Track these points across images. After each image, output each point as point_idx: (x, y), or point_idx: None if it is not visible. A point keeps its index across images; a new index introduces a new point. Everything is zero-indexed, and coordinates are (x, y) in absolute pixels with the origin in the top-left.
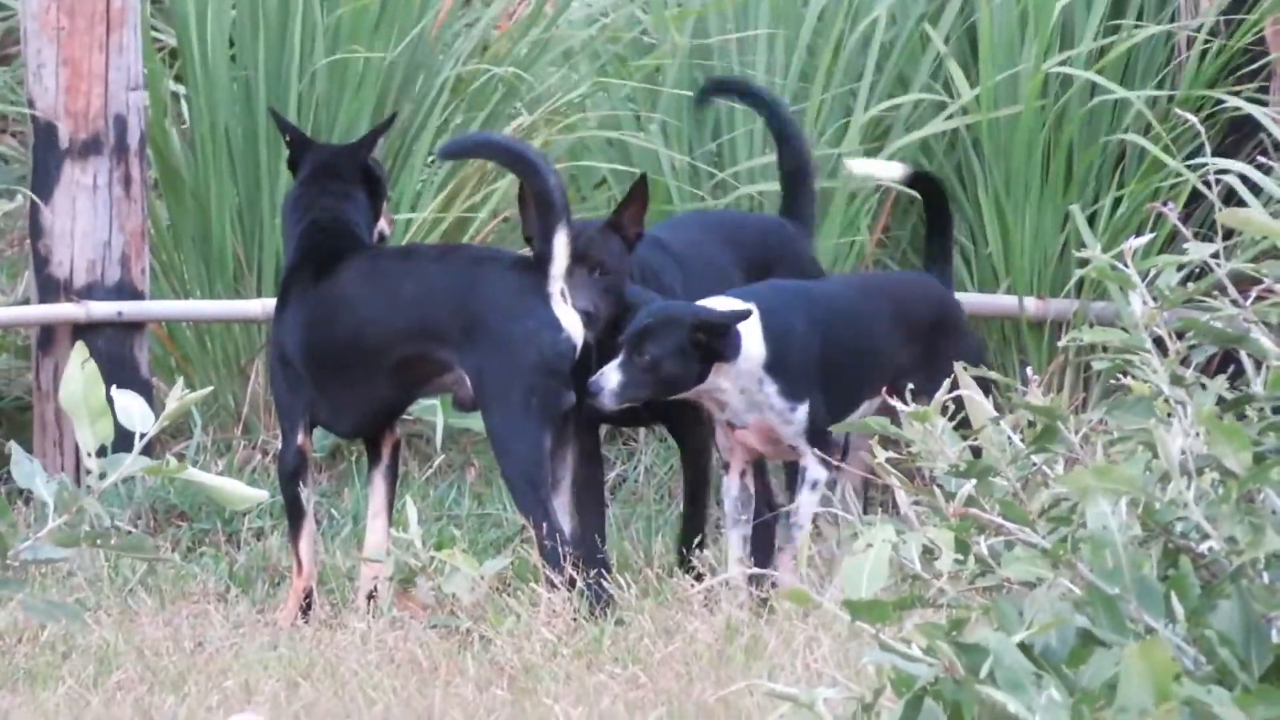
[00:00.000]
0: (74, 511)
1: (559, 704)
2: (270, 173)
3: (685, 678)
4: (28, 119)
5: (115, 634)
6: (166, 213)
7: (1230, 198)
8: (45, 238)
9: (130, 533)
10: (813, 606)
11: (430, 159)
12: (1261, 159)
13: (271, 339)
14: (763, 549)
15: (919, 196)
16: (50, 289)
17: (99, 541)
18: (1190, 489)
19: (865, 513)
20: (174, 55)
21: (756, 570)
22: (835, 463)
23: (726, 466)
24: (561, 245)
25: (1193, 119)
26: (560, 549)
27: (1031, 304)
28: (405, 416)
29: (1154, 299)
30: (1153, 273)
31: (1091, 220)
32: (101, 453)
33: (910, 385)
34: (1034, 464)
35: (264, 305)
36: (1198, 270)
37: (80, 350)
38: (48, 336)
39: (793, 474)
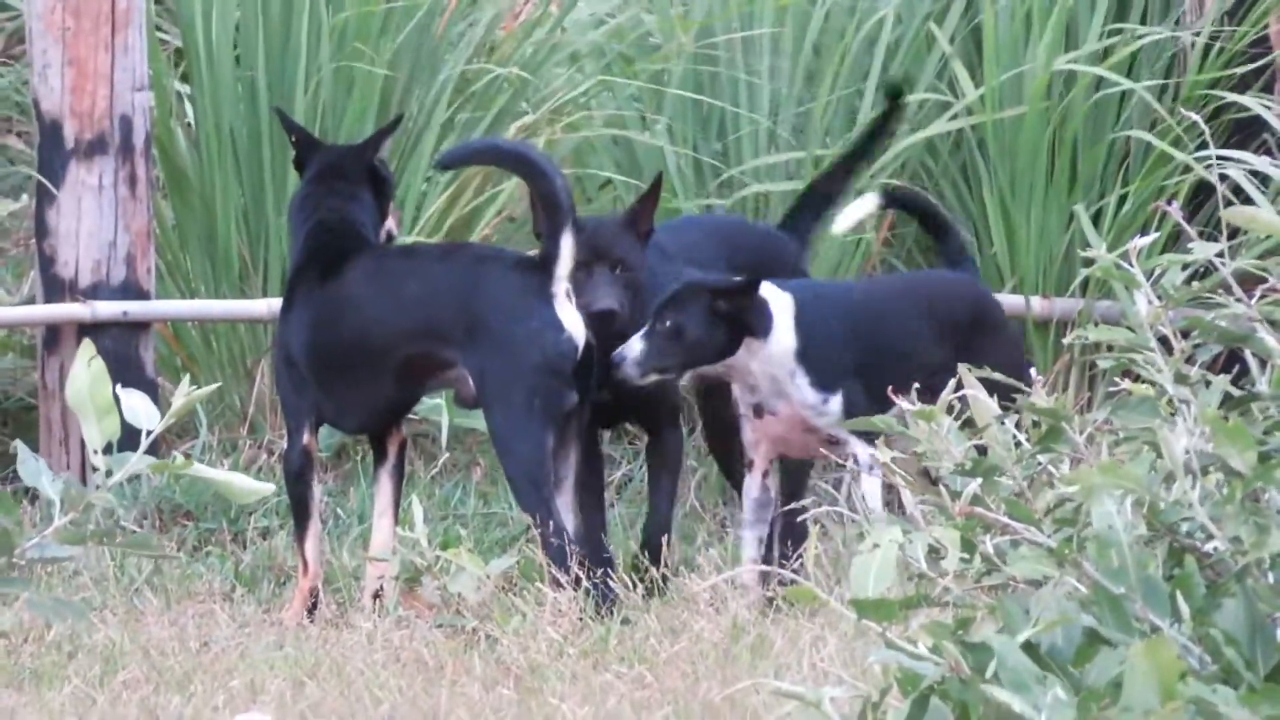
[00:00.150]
0: (80, 510)
1: (565, 703)
2: (275, 172)
3: (691, 677)
4: (33, 119)
5: (121, 633)
6: (172, 212)
7: (1236, 195)
8: (51, 237)
9: (136, 532)
10: (819, 605)
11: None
12: (1267, 159)
13: (277, 339)
14: (788, 545)
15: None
16: (56, 289)
17: (105, 539)
18: (1195, 488)
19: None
20: (179, 55)
21: (768, 569)
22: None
23: (750, 465)
24: (568, 246)
25: (1196, 118)
26: (566, 547)
27: (1037, 303)
28: (411, 416)
29: (1159, 298)
30: (1158, 272)
31: (1096, 219)
32: (107, 451)
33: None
34: (1039, 463)
35: (269, 305)
36: (1203, 269)
37: (87, 348)
38: (53, 336)
39: (791, 477)
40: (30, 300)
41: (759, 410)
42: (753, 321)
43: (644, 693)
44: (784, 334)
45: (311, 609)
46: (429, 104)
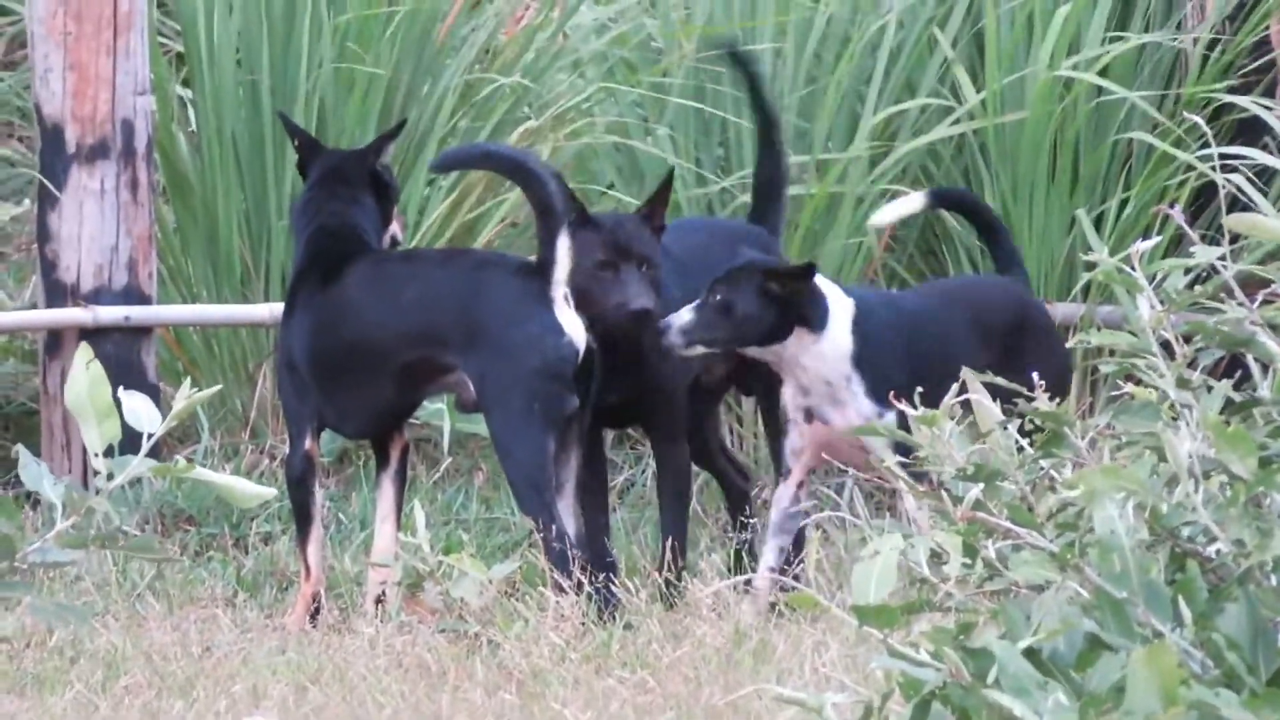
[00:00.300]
0: (82, 514)
1: (567, 708)
2: (277, 177)
3: (694, 682)
4: (35, 123)
5: (123, 639)
6: (173, 217)
7: (1238, 200)
8: (52, 242)
9: (137, 536)
10: (821, 611)
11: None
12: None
13: (279, 343)
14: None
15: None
16: (57, 293)
17: (106, 543)
18: (1198, 493)
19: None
20: (181, 59)
21: (781, 579)
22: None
23: (787, 474)
24: (564, 250)
25: (1198, 120)
26: (568, 552)
27: None
28: (413, 421)
29: (1161, 302)
30: (1159, 276)
31: (1098, 223)
32: (108, 455)
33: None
34: (1042, 468)
35: (271, 310)
36: (1205, 273)
37: (85, 351)
38: (55, 341)
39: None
40: (32, 305)
41: (809, 415)
42: (806, 310)
43: (646, 698)
44: (840, 334)
45: (314, 614)
46: (431, 110)
